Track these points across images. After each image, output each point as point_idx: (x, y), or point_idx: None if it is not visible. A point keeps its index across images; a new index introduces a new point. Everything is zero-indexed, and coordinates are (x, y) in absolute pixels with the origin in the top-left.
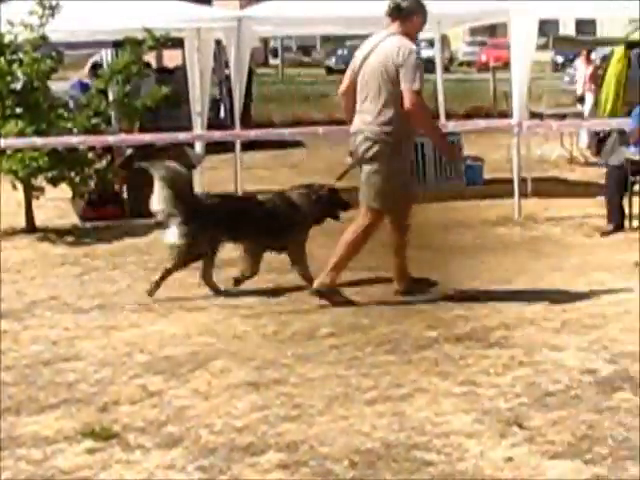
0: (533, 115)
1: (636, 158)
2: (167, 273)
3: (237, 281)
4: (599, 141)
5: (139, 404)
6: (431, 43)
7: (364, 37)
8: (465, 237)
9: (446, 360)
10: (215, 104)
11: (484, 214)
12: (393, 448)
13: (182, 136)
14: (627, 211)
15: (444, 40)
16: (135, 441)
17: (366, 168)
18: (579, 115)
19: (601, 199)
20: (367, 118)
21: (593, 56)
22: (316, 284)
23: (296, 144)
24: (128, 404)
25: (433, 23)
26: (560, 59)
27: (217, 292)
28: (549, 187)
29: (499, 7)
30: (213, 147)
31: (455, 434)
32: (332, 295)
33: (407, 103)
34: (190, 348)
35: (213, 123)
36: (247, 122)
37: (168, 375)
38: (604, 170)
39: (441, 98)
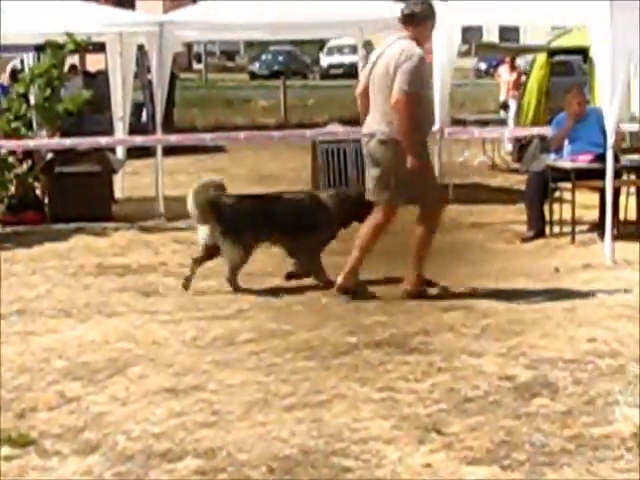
0: (456, 121)
1: (557, 165)
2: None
3: (290, 276)
4: (521, 148)
5: (57, 410)
6: (355, 49)
7: (287, 43)
8: (388, 242)
9: (365, 366)
10: (138, 109)
11: (407, 219)
12: (311, 454)
13: (104, 141)
14: (547, 217)
15: (368, 46)
16: (52, 447)
17: (382, 168)
18: (502, 122)
19: (522, 205)
20: (377, 119)
21: (518, 63)
22: (340, 281)
23: (218, 149)
24: (46, 410)
25: (355, 29)
26: (483, 66)
27: (237, 289)
28: (471, 193)
29: None
30: (135, 152)
31: (373, 440)
32: (357, 291)
33: (393, 99)
34: (109, 354)
35: (135, 128)
36: (169, 127)
37: (86, 381)
38: (525, 176)
39: None
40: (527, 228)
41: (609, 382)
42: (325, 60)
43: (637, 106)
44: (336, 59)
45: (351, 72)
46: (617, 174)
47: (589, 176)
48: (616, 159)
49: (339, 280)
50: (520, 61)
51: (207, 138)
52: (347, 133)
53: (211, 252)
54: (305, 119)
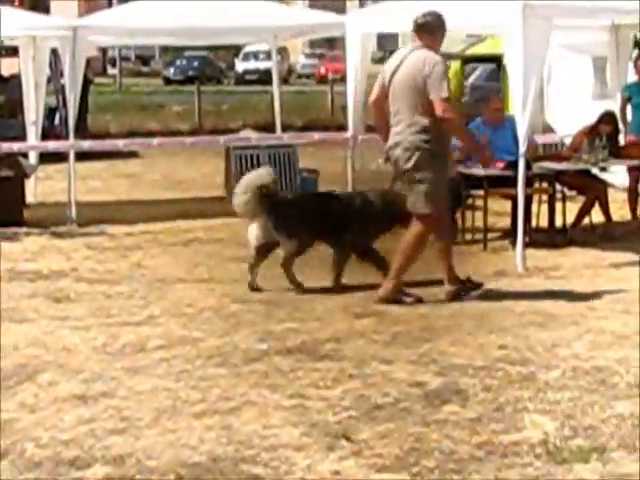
0: (370, 128)
1: (469, 172)
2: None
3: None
4: None
5: None
6: (269, 55)
7: (203, 48)
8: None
9: (276, 373)
10: (51, 113)
11: None
12: (220, 462)
13: (16, 146)
14: (460, 225)
15: (283, 52)
16: None
17: (411, 177)
18: None
19: None
20: (402, 128)
21: None
22: (381, 292)
23: (132, 154)
24: None
25: (269, 35)
26: None
27: (296, 285)
28: None
29: (335, 20)
30: (48, 157)
31: (283, 447)
32: (398, 299)
33: (438, 110)
34: (18, 360)
35: (48, 132)
36: (83, 132)
37: None
38: None
39: (277, 110)
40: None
41: (519, 389)
42: (240, 66)
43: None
44: (251, 65)
45: (266, 78)
46: (529, 182)
47: (502, 184)
48: (528, 167)
49: (380, 292)
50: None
51: (120, 144)
52: (260, 139)
53: (265, 251)
54: (219, 125)
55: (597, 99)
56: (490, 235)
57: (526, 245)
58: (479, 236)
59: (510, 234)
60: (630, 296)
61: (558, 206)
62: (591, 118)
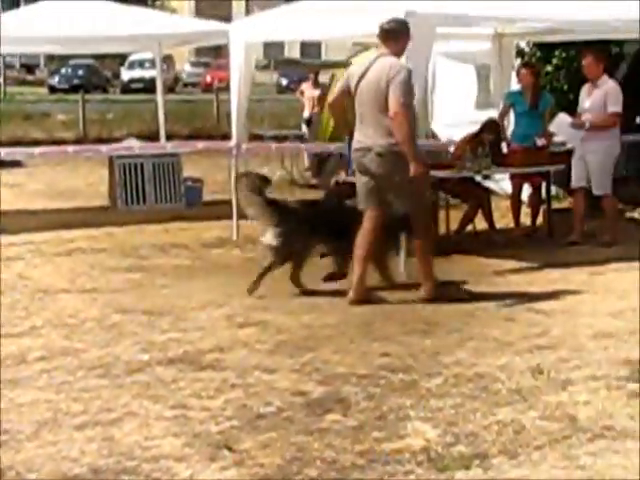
0: (254, 137)
1: (347, 180)
2: (267, 270)
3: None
4: (319, 163)
5: None
6: (155, 63)
7: (88, 57)
8: (181, 258)
9: (158, 383)
10: None
11: (202, 235)
12: (101, 473)
13: None
14: None
15: (169, 61)
16: None
17: (387, 180)
18: (301, 137)
19: None
20: (370, 133)
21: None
22: (425, 294)
23: (15, 164)
24: None
25: (154, 43)
26: (285, 81)
27: (304, 292)
28: None
29: (219, 28)
30: None
31: (165, 458)
32: (370, 298)
33: (391, 111)
34: None
35: None
36: None
37: None
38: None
39: (162, 119)
40: None
41: (401, 397)
42: (126, 74)
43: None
44: (137, 73)
45: (152, 86)
46: None
47: None
48: None
49: (351, 295)
50: (322, 77)
51: (2, 153)
52: (143, 148)
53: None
54: (104, 134)
55: (481, 107)
56: None
57: (409, 253)
58: None
59: None
60: (513, 303)
61: (441, 213)
62: (475, 126)
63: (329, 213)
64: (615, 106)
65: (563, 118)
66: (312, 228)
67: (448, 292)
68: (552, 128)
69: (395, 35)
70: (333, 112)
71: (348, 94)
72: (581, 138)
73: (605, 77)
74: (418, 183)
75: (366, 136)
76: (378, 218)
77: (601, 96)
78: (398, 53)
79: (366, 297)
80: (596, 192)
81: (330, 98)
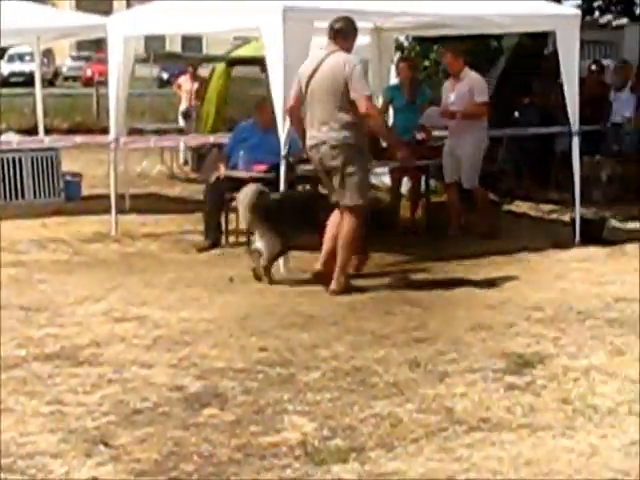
0: (134, 131)
1: (232, 175)
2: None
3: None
4: (199, 157)
5: None
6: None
7: None
8: (60, 253)
9: (34, 379)
10: None
11: (81, 230)
12: None
13: None
14: (224, 227)
15: (49, 54)
16: None
17: (342, 173)
18: (181, 131)
19: (200, 215)
20: (324, 127)
21: (204, 72)
22: (336, 287)
23: None
24: None
25: (32, 37)
26: (166, 75)
27: (271, 282)
28: (148, 203)
29: (98, 22)
30: None
31: (40, 454)
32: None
33: (362, 108)
34: None
35: None
36: None
37: None
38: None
39: (40, 113)
40: (204, 238)
41: (279, 391)
42: (5, 68)
43: None
44: (17, 67)
45: (32, 80)
46: (293, 184)
47: (269, 185)
48: (292, 169)
49: (334, 286)
50: (204, 71)
51: None
52: (22, 143)
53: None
54: None
55: None
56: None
57: (289, 247)
58: (244, 238)
59: None
60: (393, 295)
61: None
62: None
63: (306, 205)
64: (482, 96)
65: (433, 111)
66: (292, 224)
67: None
68: (422, 121)
69: (344, 33)
70: (292, 118)
71: (301, 97)
72: (449, 132)
73: (467, 70)
74: (366, 177)
75: (319, 131)
76: (361, 216)
77: (465, 89)
78: (348, 50)
79: (348, 288)
80: (466, 186)
81: (287, 105)
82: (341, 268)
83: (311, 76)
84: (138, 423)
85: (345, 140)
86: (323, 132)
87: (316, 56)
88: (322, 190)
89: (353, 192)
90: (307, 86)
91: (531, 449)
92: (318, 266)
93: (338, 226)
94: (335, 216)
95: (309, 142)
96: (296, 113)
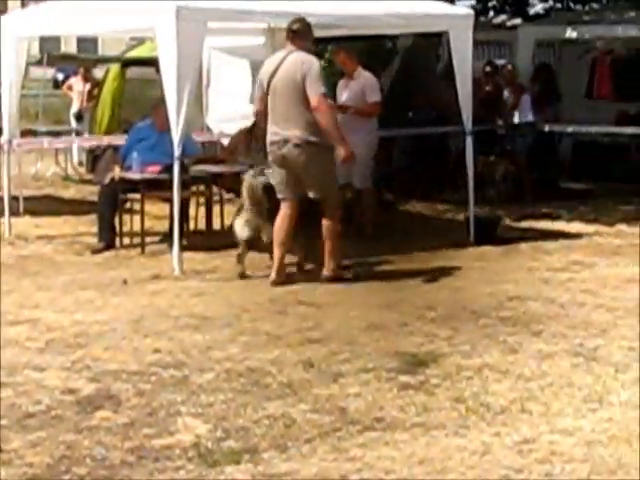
0: (27, 132)
1: (125, 176)
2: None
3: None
4: (95, 158)
5: None
6: None
7: None
8: None
9: None
10: None
11: None
12: None
13: None
14: (118, 229)
15: None
16: None
17: (303, 169)
18: (76, 132)
19: (94, 217)
20: (287, 125)
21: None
22: (330, 273)
23: None
24: None
25: None
26: (61, 76)
27: (242, 275)
28: (43, 205)
29: None
30: None
31: None
32: (341, 277)
33: (313, 103)
34: None
35: None
36: None
37: None
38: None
39: None
40: (98, 239)
41: (172, 393)
42: None
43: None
44: None
45: None
46: (186, 185)
47: (162, 187)
48: (185, 170)
49: (273, 276)
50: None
51: None
52: None
53: (250, 243)
54: None
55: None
56: (149, 239)
57: (184, 248)
58: (138, 240)
59: (168, 237)
60: (288, 296)
61: (216, 208)
62: (249, 121)
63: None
64: (374, 95)
65: None
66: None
67: (344, 274)
68: None
69: (301, 34)
70: (260, 122)
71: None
72: None
73: (360, 70)
74: (331, 170)
75: (282, 129)
76: (294, 207)
77: (358, 88)
78: (305, 50)
79: (285, 279)
80: (359, 186)
81: (255, 109)
82: (332, 255)
83: (272, 75)
84: (30, 427)
85: (308, 138)
86: (286, 130)
87: (277, 56)
88: (217, 191)
89: (316, 187)
90: (268, 85)
91: (424, 448)
92: (325, 272)
93: (285, 221)
94: (283, 214)
95: (271, 138)
96: (264, 117)
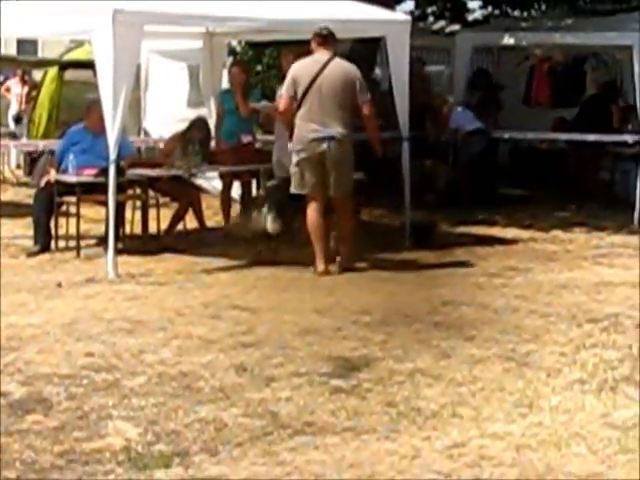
0: None
1: (61, 179)
2: None
3: None
4: (32, 161)
5: None
6: None
7: None
8: None
9: None
10: None
11: None
12: None
13: None
14: (54, 232)
15: None
16: None
17: (344, 165)
18: (12, 135)
19: (30, 219)
20: (330, 123)
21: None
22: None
23: None
24: None
25: None
26: (1, 78)
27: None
28: None
29: None
30: None
31: None
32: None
33: (366, 111)
34: None
35: None
36: None
37: None
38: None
39: None
40: (33, 242)
41: (104, 396)
42: None
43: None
44: None
45: None
46: (123, 188)
47: (98, 190)
48: (121, 173)
49: (322, 268)
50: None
51: None
52: None
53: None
54: None
55: (192, 106)
56: (85, 242)
57: (119, 252)
58: (74, 243)
59: (105, 241)
60: (224, 301)
61: (152, 212)
62: (186, 124)
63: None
64: None
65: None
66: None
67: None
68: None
69: (332, 40)
70: (285, 119)
71: (294, 99)
72: (276, 136)
73: None
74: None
75: (326, 126)
76: (323, 203)
77: None
78: (335, 54)
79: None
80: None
81: (282, 106)
82: (350, 248)
83: (315, 77)
84: None
85: (348, 136)
86: (331, 128)
87: (316, 60)
88: (153, 195)
89: (349, 183)
90: (309, 86)
91: (355, 452)
92: (322, 266)
93: (320, 217)
94: (313, 215)
95: (310, 135)
96: (288, 114)
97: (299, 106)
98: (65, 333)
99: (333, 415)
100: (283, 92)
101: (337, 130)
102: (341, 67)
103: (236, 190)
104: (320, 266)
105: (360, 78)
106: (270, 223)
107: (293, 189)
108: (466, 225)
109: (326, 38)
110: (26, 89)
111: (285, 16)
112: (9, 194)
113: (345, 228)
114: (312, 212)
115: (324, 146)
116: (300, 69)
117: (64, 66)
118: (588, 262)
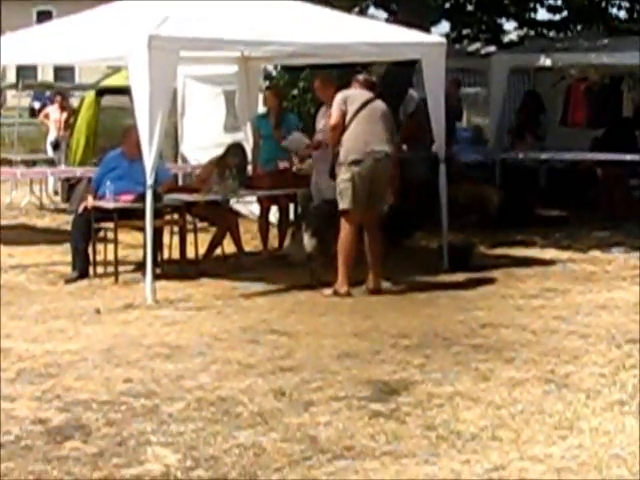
0: (3, 161)
1: (98, 205)
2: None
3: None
4: (70, 187)
5: None
6: None
7: None
8: None
9: None
10: None
11: None
12: None
13: None
14: (92, 258)
15: None
16: None
17: (384, 182)
18: (51, 161)
19: (68, 246)
20: (382, 143)
21: (74, 103)
22: (373, 286)
23: None
24: None
25: None
26: (37, 105)
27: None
28: (17, 234)
29: None
30: None
31: None
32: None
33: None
34: None
35: None
36: None
37: None
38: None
39: None
40: (71, 269)
41: (142, 422)
42: None
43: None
44: None
45: None
46: (160, 213)
47: (135, 216)
48: (159, 199)
49: (374, 285)
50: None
51: None
52: None
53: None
54: None
55: (229, 131)
56: (123, 268)
57: (157, 277)
58: (112, 269)
59: (142, 266)
60: (262, 326)
61: (190, 237)
62: (222, 149)
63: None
64: None
65: (296, 136)
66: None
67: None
68: (286, 143)
69: (375, 88)
70: (335, 134)
71: (345, 115)
72: (314, 162)
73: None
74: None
75: (378, 144)
76: (358, 222)
77: None
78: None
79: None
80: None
81: (333, 121)
82: (380, 268)
83: (365, 105)
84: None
85: (395, 157)
86: (385, 146)
87: (362, 94)
88: (190, 220)
89: (384, 204)
90: (362, 107)
91: (394, 476)
92: (371, 285)
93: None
94: (351, 233)
95: (369, 147)
96: (339, 129)
97: (350, 122)
98: (103, 359)
99: (372, 439)
100: (333, 110)
101: (388, 148)
102: (381, 106)
103: (274, 214)
104: (343, 288)
105: (390, 115)
106: (310, 247)
107: (342, 205)
108: (503, 247)
109: (374, 85)
110: (65, 115)
111: (320, 40)
112: (47, 220)
113: (374, 251)
114: (346, 234)
115: (378, 157)
116: (351, 92)
117: (101, 92)
118: (627, 282)
